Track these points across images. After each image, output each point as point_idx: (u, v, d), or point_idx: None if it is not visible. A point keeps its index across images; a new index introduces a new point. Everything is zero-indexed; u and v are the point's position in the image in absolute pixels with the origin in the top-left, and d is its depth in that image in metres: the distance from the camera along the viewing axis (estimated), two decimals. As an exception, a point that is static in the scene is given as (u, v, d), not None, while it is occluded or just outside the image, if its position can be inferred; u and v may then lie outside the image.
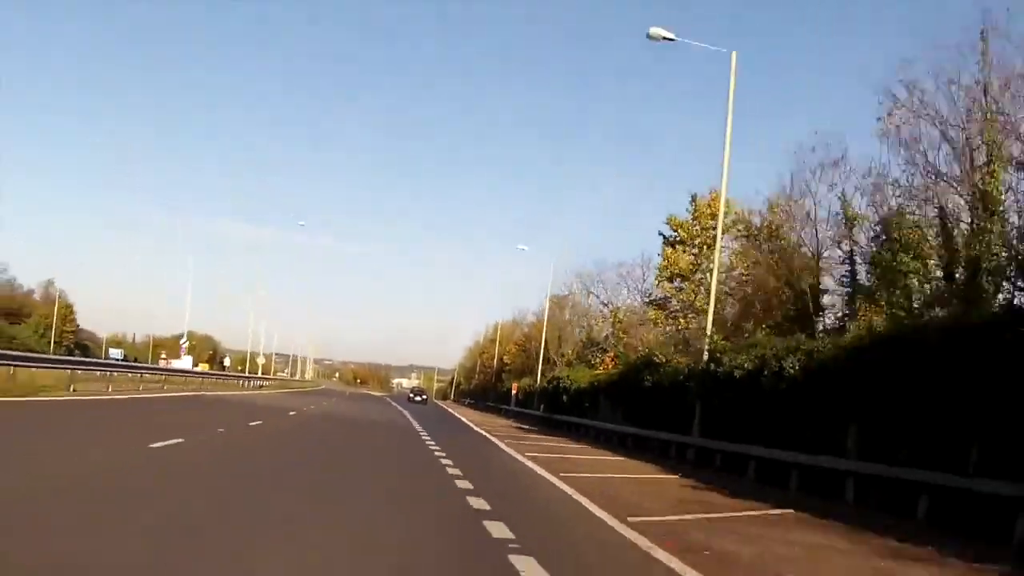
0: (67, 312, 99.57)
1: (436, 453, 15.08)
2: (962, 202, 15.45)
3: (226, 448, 13.19)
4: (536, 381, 44.01)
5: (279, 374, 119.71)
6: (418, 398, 74.28)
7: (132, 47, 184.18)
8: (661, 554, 6.73)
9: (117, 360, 75.23)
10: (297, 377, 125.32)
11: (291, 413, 26.28)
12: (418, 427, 24.83)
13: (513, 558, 5.65)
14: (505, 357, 65.34)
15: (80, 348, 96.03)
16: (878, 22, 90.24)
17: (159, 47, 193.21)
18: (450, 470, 11.95)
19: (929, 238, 15.97)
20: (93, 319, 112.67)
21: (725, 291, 21.86)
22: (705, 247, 24.57)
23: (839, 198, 18.06)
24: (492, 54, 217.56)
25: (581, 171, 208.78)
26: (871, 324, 13.15)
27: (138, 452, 10.44)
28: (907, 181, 16.73)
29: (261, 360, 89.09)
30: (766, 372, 14.58)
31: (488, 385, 73.06)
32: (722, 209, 18.60)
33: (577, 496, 10.41)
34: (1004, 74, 14.92)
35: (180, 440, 12.36)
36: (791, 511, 10.91)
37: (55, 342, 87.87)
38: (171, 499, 7.16)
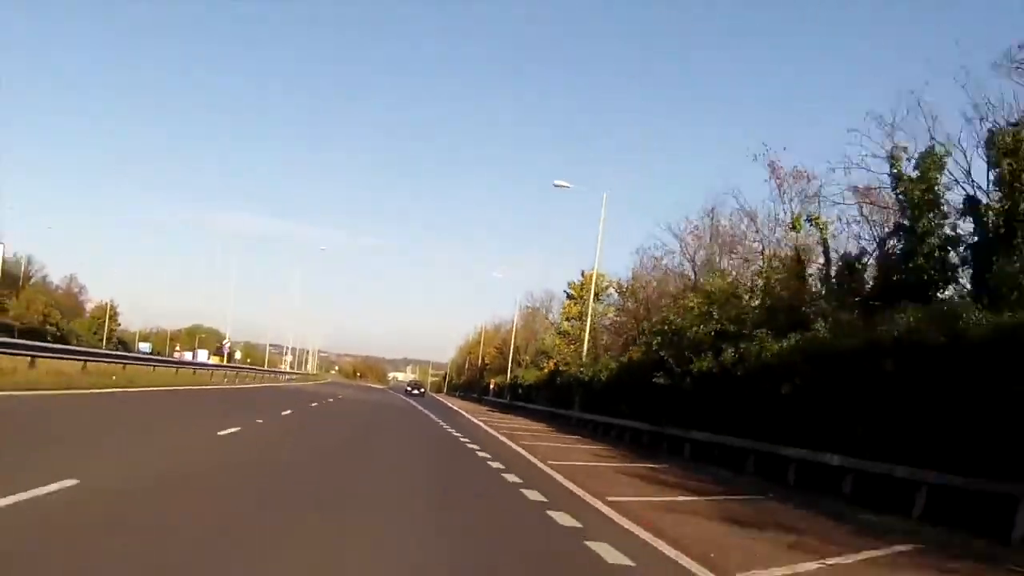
0: (112, 312, 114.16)
1: (433, 418, 29.87)
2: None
3: (340, 408, 28.17)
4: (506, 378, 59.22)
5: (280, 367, 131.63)
6: (416, 391, 74.24)
7: (133, 47, 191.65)
8: (506, 439, 21.59)
9: (147, 354, 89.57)
10: (303, 371, 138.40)
11: (339, 396, 41.16)
12: (421, 408, 39.69)
13: (467, 446, 20.54)
14: (486, 358, 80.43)
15: (121, 344, 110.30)
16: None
17: (160, 47, 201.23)
18: (441, 423, 26.78)
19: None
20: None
21: (603, 326, 37.17)
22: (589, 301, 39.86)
23: (655, 280, 33.10)
24: (494, 54, 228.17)
25: (582, 173, 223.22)
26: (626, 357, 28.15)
27: (308, 407, 25.34)
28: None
29: (288, 358, 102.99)
30: (595, 379, 29.60)
31: (474, 380, 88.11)
32: (592, 287, 33.83)
33: (491, 431, 25.31)
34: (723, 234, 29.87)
35: (316, 404, 27.25)
36: (579, 437, 25.76)
37: (107, 339, 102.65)
38: (342, 422, 22.08)
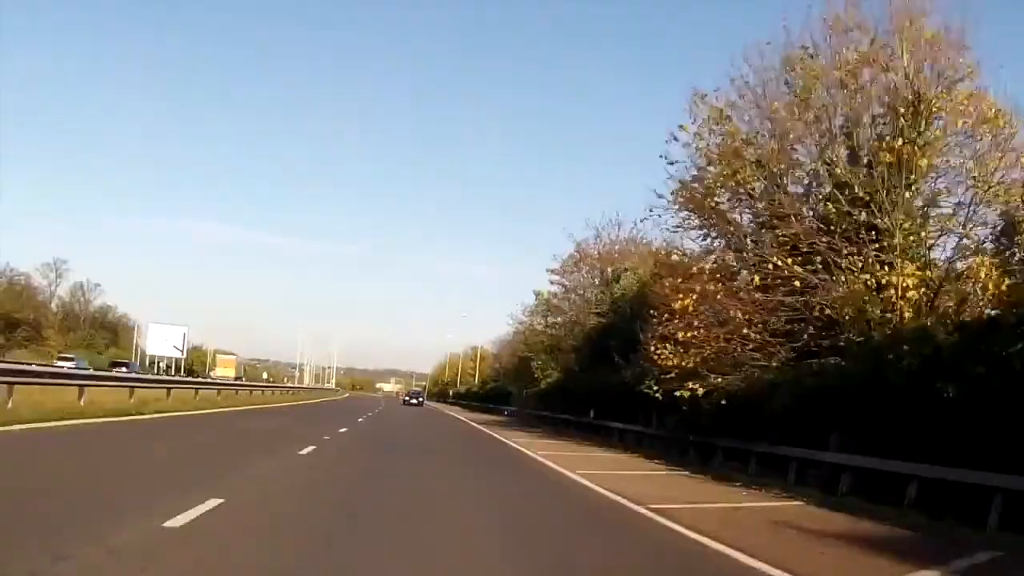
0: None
1: (430, 408, 46.18)
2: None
3: (386, 413, 44.45)
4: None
5: (286, 381, 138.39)
6: (414, 401, 72.43)
7: (133, 48, 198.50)
8: (481, 428, 37.99)
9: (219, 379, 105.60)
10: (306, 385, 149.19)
11: (376, 408, 57.32)
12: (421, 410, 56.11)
13: (465, 425, 36.89)
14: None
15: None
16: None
17: (159, 51, 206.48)
18: (433, 410, 43.12)
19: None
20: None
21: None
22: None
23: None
24: (497, 58, 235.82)
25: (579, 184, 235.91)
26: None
27: (368, 416, 41.63)
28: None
29: (307, 379, 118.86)
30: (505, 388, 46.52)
31: (444, 390, 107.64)
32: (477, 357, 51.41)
33: (461, 417, 41.79)
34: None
35: (371, 413, 43.50)
36: (541, 429, 42.16)
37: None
38: (396, 419, 38.48)
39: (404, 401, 75.43)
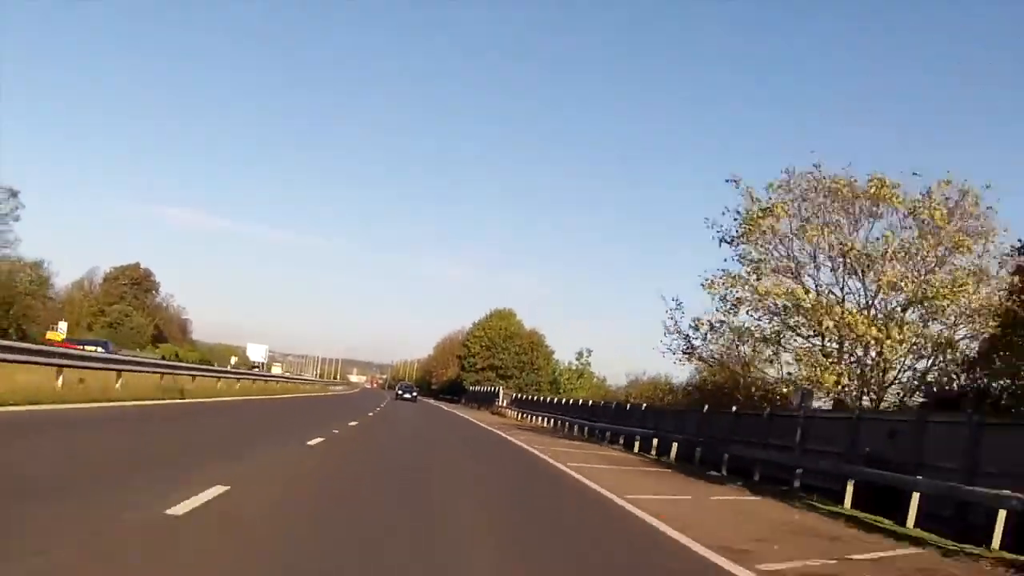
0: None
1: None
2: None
3: (392, 401, 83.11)
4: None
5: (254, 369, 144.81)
6: (407, 396, 78.60)
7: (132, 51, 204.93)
8: (471, 414, 76.80)
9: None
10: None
11: (383, 399, 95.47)
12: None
13: (450, 412, 75.74)
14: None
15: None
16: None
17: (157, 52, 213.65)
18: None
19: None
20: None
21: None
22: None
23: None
24: (492, 59, 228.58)
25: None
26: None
27: (384, 402, 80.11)
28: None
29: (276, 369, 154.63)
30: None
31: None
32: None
33: (444, 407, 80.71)
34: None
35: (385, 403, 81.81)
36: (434, 401, 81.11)
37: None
38: (401, 403, 77.33)
39: (397, 395, 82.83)
